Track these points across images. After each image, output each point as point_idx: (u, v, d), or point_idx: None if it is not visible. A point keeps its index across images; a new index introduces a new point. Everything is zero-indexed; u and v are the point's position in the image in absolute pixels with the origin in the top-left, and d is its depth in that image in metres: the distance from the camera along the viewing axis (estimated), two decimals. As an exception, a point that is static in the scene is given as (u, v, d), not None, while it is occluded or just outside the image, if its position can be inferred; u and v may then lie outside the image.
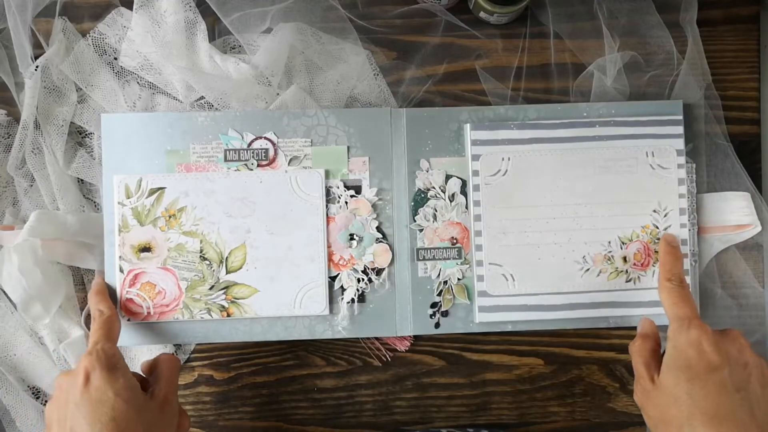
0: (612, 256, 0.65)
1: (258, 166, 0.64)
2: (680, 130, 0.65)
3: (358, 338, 0.67)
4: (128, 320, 0.63)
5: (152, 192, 0.63)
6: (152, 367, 0.60)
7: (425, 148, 0.65)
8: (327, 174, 0.64)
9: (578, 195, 0.65)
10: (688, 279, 0.65)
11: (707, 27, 0.68)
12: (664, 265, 0.61)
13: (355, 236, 0.64)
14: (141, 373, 0.60)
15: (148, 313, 0.63)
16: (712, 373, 0.51)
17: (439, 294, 0.64)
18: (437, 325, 0.64)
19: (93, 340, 0.57)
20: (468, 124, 0.65)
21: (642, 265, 0.65)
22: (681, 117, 0.65)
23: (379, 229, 0.65)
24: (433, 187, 0.65)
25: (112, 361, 0.54)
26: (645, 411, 0.56)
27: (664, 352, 0.56)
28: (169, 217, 0.63)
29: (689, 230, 0.65)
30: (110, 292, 0.63)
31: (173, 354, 0.66)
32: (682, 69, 0.67)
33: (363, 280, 0.64)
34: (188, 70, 0.65)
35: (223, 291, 0.63)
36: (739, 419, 0.50)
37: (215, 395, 0.68)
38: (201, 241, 0.63)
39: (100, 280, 0.63)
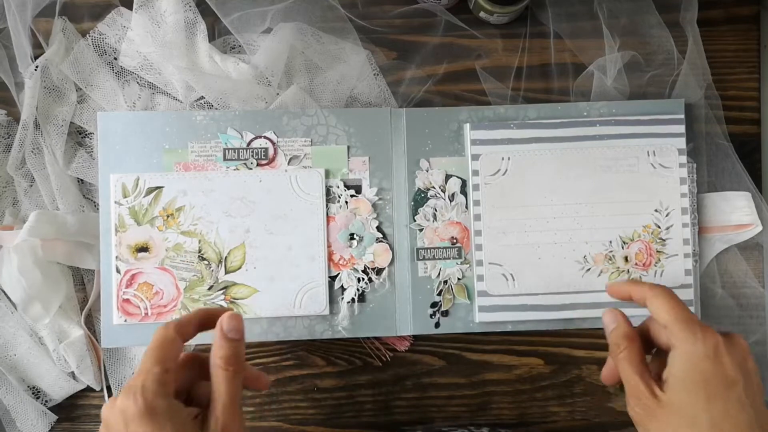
0: (613, 256, 0.65)
1: (257, 165, 0.64)
2: (682, 129, 0.65)
3: (358, 338, 0.67)
4: (125, 321, 0.62)
5: (150, 191, 0.63)
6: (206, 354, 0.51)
7: (425, 147, 0.65)
8: (327, 173, 0.64)
9: (579, 194, 0.65)
10: (689, 279, 0.65)
11: (707, 27, 0.68)
12: (638, 284, 0.54)
13: (355, 236, 0.64)
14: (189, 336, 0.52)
15: (146, 313, 0.62)
16: (731, 389, 0.46)
17: (439, 294, 0.64)
18: (437, 325, 0.64)
19: (141, 363, 0.49)
20: (468, 124, 0.65)
21: (644, 264, 0.65)
22: (683, 116, 0.65)
23: (379, 228, 0.65)
24: (433, 187, 0.65)
25: (152, 405, 0.46)
26: (646, 429, 0.49)
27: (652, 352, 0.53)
28: (167, 216, 0.63)
29: (690, 230, 0.65)
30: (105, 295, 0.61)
31: (228, 364, 0.50)
32: (683, 69, 0.67)
33: (363, 279, 0.64)
34: (188, 70, 0.65)
35: (222, 291, 0.63)
36: None
37: (215, 395, 0.68)
38: (199, 241, 0.63)
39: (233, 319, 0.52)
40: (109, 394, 0.66)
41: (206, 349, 0.52)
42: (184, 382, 0.52)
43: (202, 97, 0.67)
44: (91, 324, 0.67)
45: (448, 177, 0.65)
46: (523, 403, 0.68)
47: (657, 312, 0.50)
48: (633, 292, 0.53)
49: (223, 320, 0.52)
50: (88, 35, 0.67)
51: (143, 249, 0.63)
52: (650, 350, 0.53)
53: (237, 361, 0.51)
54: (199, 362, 0.53)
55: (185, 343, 0.52)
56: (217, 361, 0.50)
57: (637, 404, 0.49)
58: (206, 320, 0.53)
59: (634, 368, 0.49)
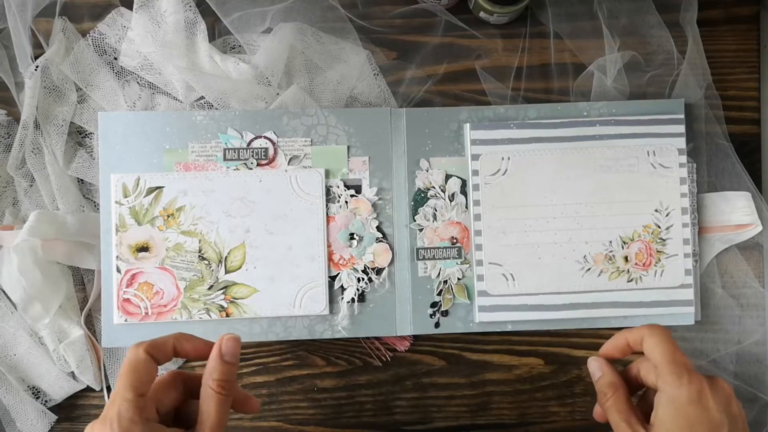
0: (613, 256, 0.65)
1: (257, 165, 0.64)
2: (682, 129, 0.65)
3: (358, 338, 0.67)
4: (125, 321, 0.62)
5: (150, 191, 0.63)
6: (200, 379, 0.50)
7: (425, 147, 0.65)
8: (327, 173, 0.64)
9: (579, 194, 0.65)
10: (689, 279, 0.65)
11: (707, 27, 0.68)
12: (633, 329, 0.54)
13: (355, 236, 0.64)
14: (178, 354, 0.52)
15: (146, 313, 0.63)
16: None
17: (439, 293, 0.64)
18: (437, 325, 0.64)
19: (116, 388, 0.48)
20: (468, 124, 0.65)
21: (644, 264, 0.65)
22: (682, 116, 0.65)
23: (379, 228, 0.65)
24: (433, 187, 0.65)
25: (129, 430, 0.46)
26: None
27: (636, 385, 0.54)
28: (168, 216, 0.63)
29: (690, 230, 0.65)
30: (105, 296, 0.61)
31: (221, 388, 0.50)
32: (682, 69, 0.67)
33: (363, 279, 0.64)
34: (188, 70, 0.65)
35: (222, 291, 0.63)
36: None
37: (215, 395, 0.68)
38: (200, 241, 0.63)
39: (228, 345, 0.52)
40: (109, 395, 0.66)
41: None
42: (169, 400, 0.51)
43: (202, 97, 0.67)
44: (91, 324, 0.67)
45: (448, 177, 0.65)
46: (523, 403, 0.68)
47: (651, 350, 0.50)
48: (629, 337, 0.53)
49: (223, 342, 0.51)
50: (88, 35, 0.67)
51: (144, 249, 0.63)
52: (638, 390, 0.54)
53: (230, 386, 0.50)
54: (184, 380, 0.53)
55: (161, 365, 0.51)
56: (210, 383, 0.50)
57: None
58: (183, 344, 0.52)
59: (621, 415, 0.50)
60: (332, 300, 0.64)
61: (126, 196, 0.63)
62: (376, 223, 0.65)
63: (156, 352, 0.50)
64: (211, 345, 0.52)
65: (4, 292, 0.65)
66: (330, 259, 0.64)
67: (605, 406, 0.52)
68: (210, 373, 0.50)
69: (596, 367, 0.55)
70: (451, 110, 0.65)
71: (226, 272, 0.63)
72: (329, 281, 0.64)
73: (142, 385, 0.48)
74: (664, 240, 0.65)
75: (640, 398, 0.55)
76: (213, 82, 0.65)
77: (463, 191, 0.65)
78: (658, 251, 0.65)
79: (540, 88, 0.69)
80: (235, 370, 0.51)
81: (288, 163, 0.64)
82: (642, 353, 0.52)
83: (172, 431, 0.49)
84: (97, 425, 0.47)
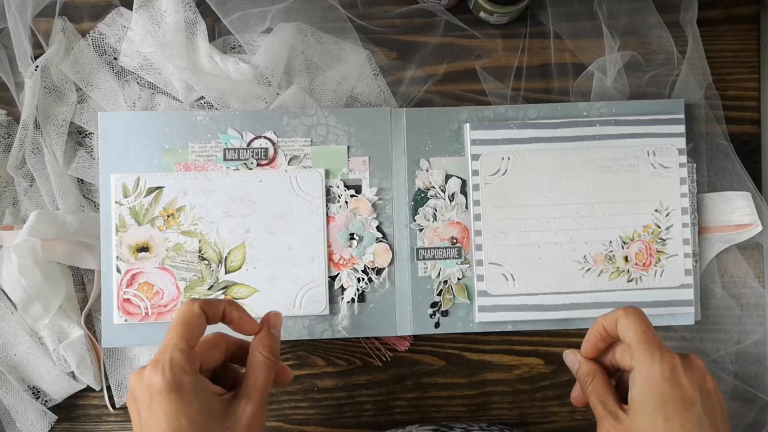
0: (613, 256, 0.65)
1: (257, 165, 0.64)
2: (682, 129, 0.65)
3: (358, 338, 0.67)
4: (125, 321, 0.62)
5: (150, 191, 0.63)
6: (250, 344, 0.53)
7: (425, 147, 0.65)
8: (327, 173, 0.64)
9: (579, 194, 0.65)
10: (689, 279, 0.65)
11: (707, 27, 0.68)
12: (608, 314, 0.54)
13: (355, 236, 0.64)
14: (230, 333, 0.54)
15: (146, 313, 0.63)
16: (689, 409, 0.48)
17: (439, 294, 0.64)
18: (437, 325, 0.64)
19: (167, 337, 0.49)
20: (468, 124, 0.65)
21: (644, 264, 0.65)
22: (682, 116, 0.65)
23: (379, 228, 0.65)
24: (433, 187, 0.65)
25: (179, 380, 0.47)
26: None
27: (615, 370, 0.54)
28: (168, 216, 0.63)
29: (690, 230, 0.65)
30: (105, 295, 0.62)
31: (270, 355, 0.53)
32: (682, 69, 0.67)
33: (363, 279, 0.64)
34: (188, 70, 0.65)
35: (222, 291, 0.63)
36: None
37: (215, 395, 0.68)
38: (200, 241, 0.63)
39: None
40: (109, 395, 0.66)
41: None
42: (212, 360, 0.53)
43: (202, 97, 0.67)
44: (91, 324, 0.67)
45: (448, 177, 0.65)
46: (523, 403, 0.68)
47: (624, 330, 0.51)
48: (604, 322, 0.53)
49: (270, 316, 0.56)
50: (88, 35, 0.67)
51: (144, 249, 0.63)
52: (616, 373, 0.55)
53: (277, 354, 0.54)
54: (227, 343, 0.54)
55: (209, 324, 0.52)
56: (261, 349, 0.53)
57: (603, 429, 0.51)
58: (231, 311, 0.54)
59: (599, 398, 0.52)
60: (332, 300, 0.64)
61: (126, 196, 0.63)
62: (376, 223, 0.65)
63: (208, 309, 0.51)
64: (254, 321, 0.55)
65: (4, 292, 0.65)
66: (330, 259, 0.64)
67: (586, 392, 0.53)
68: (260, 340, 0.53)
69: (572, 360, 0.56)
70: (451, 110, 0.65)
71: (226, 272, 0.63)
72: (329, 281, 0.64)
73: (193, 337, 0.50)
74: (664, 240, 0.65)
75: (617, 381, 0.55)
76: (213, 82, 0.65)
77: (463, 191, 0.65)
78: (658, 251, 0.65)
79: (540, 88, 0.69)
80: (279, 342, 0.55)
81: (288, 163, 0.64)
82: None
83: (216, 388, 0.50)
84: (147, 369, 0.48)
